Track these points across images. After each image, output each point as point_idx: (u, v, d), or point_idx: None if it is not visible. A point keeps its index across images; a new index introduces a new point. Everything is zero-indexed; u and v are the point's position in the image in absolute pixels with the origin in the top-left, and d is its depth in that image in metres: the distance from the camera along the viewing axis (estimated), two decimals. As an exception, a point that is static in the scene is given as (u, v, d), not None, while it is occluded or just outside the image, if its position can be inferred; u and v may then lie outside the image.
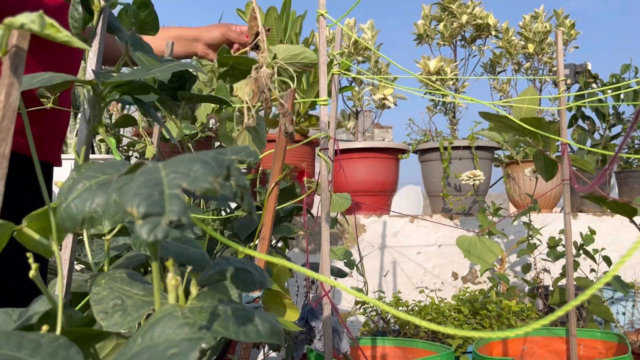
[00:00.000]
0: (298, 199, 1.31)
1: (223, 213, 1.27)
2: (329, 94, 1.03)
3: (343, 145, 2.45)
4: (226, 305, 0.34)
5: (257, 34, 0.64)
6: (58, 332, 0.36)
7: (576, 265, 1.79)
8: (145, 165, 0.32)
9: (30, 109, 0.85)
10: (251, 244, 1.27)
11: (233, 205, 1.31)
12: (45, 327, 0.33)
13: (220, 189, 0.29)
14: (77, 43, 0.29)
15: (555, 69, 2.86)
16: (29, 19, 0.28)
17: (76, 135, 1.77)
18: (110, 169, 0.35)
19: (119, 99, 0.53)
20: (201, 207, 1.25)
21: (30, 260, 0.35)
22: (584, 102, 2.74)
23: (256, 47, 0.65)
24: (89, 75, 0.48)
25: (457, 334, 0.32)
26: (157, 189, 0.28)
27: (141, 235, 0.26)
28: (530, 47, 2.83)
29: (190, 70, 0.79)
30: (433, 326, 0.31)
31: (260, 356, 1.86)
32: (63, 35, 0.28)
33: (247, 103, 0.65)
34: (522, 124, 1.32)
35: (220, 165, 0.30)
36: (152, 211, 0.27)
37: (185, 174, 0.29)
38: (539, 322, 0.27)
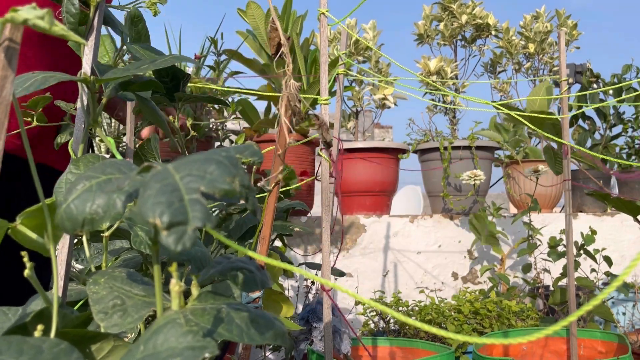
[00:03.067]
0: (293, 186, 1.30)
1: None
2: (334, 94, 1.03)
3: (343, 145, 2.45)
4: (229, 307, 0.33)
5: (279, 45, 0.63)
6: (53, 332, 0.35)
7: (577, 265, 1.79)
8: (155, 169, 0.31)
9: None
10: (249, 241, 1.27)
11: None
12: (40, 327, 0.32)
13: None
14: (74, 37, 0.29)
15: (556, 68, 2.86)
16: (34, 15, 0.27)
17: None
18: (110, 169, 0.34)
19: (117, 95, 0.53)
20: None
21: (25, 259, 0.34)
22: (588, 105, 2.74)
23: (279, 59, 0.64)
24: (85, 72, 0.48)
25: (457, 339, 0.31)
26: (176, 196, 0.27)
27: (169, 246, 0.26)
28: (531, 47, 2.82)
29: (187, 70, 0.78)
30: (434, 329, 0.31)
31: (260, 356, 1.85)
32: (59, 28, 0.27)
33: (283, 120, 0.64)
34: (524, 122, 1.32)
35: (234, 164, 0.29)
36: (176, 220, 0.26)
37: (200, 177, 0.28)
38: (547, 330, 0.26)
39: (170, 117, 0.86)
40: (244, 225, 1.24)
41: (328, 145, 0.65)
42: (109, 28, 0.64)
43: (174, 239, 0.26)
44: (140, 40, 0.69)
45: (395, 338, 1.61)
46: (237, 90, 2.14)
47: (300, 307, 2.09)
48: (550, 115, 1.33)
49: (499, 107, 1.37)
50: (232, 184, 0.28)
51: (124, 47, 0.65)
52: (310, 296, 1.89)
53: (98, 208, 0.32)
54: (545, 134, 1.32)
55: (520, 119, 1.32)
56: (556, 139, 1.33)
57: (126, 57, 0.85)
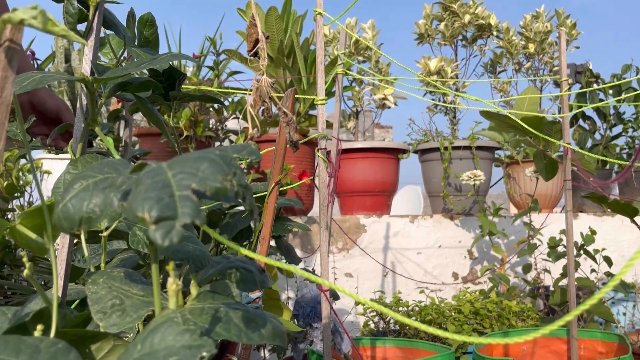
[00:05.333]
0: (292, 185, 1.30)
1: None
2: (333, 94, 1.02)
3: (343, 145, 2.44)
4: (227, 307, 0.33)
5: (257, 41, 0.63)
6: (52, 332, 0.35)
7: (577, 265, 1.79)
8: (149, 166, 0.31)
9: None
10: (248, 242, 1.27)
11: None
12: (39, 327, 0.32)
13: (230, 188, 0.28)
14: (74, 37, 0.29)
15: (556, 68, 2.85)
16: (29, 15, 0.27)
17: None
18: (107, 168, 0.34)
19: (116, 95, 0.53)
20: None
21: (25, 259, 0.34)
22: (587, 104, 2.74)
23: (255, 55, 0.64)
24: (85, 71, 0.48)
25: (457, 339, 0.31)
26: (167, 192, 0.27)
27: (156, 240, 0.26)
28: (531, 47, 2.82)
29: (187, 71, 0.78)
30: (434, 330, 0.31)
31: (260, 357, 1.85)
32: (59, 29, 0.27)
33: (249, 112, 0.64)
34: (522, 124, 1.32)
35: (228, 163, 0.29)
36: (165, 215, 0.26)
37: (193, 174, 0.28)
38: (546, 329, 0.26)
39: (166, 116, 0.86)
40: (235, 228, 1.24)
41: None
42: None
43: (161, 234, 0.26)
44: (148, 45, 0.69)
45: (395, 338, 1.61)
46: (235, 90, 2.14)
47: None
48: (541, 117, 1.32)
49: (493, 114, 1.36)
50: (224, 182, 0.28)
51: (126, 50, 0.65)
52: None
53: (95, 207, 0.32)
54: (541, 135, 1.31)
55: (517, 120, 1.32)
56: (550, 138, 1.33)
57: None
